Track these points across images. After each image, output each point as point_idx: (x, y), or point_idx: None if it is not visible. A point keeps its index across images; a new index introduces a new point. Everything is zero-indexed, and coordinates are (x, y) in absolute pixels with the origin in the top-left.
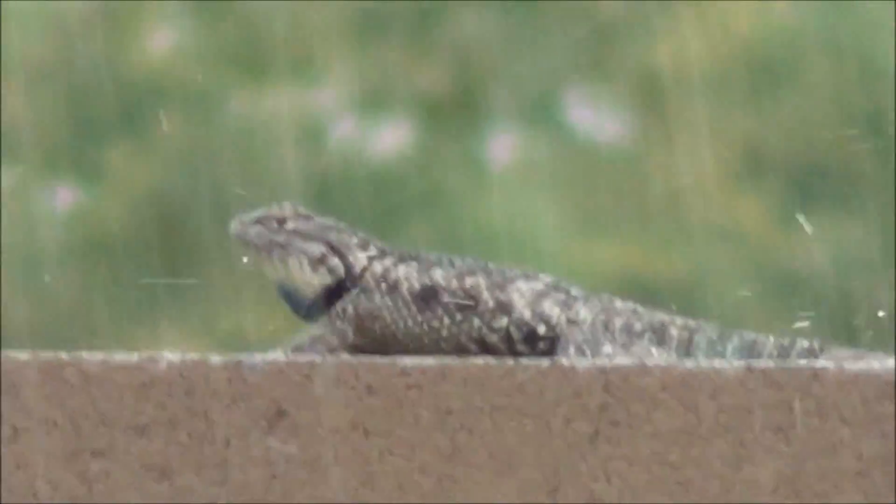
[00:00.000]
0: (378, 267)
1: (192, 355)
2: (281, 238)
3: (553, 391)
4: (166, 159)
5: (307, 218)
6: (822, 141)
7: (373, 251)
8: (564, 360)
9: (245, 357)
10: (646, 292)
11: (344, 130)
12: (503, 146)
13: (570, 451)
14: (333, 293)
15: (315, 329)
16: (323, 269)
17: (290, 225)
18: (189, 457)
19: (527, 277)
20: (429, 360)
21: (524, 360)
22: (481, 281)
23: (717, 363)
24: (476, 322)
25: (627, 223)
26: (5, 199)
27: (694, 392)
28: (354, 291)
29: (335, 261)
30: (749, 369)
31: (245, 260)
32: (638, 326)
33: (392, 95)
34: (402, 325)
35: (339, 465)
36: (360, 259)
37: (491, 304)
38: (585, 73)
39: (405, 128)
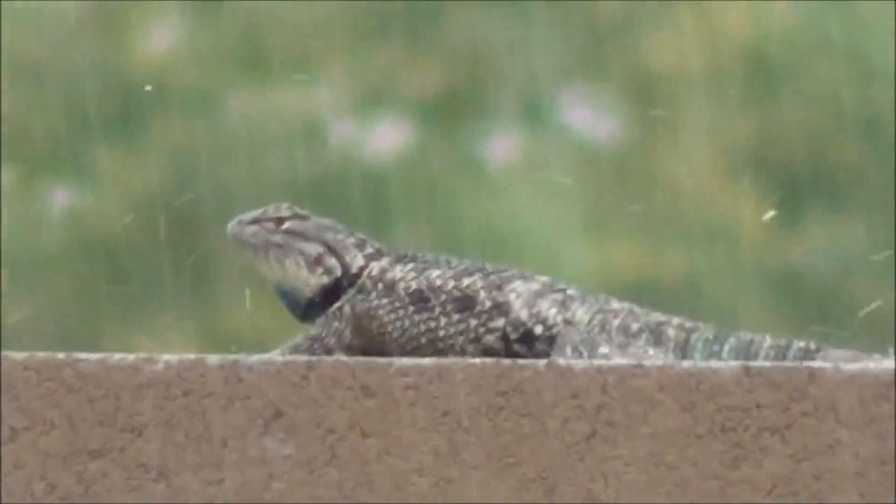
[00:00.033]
0: (375, 267)
1: (190, 356)
2: (278, 238)
3: (550, 391)
4: (163, 159)
5: (304, 218)
6: (821, 140)
7: (370, 251)
8: (561, 361)
9: (242, 357)
10: (643, 292)
11: (342, 130)
12: (501, 146)
13: (567, 452)
14: (330, 293)
15: (312, 329)
16: (320, 270)
17: (287, 225)
18: (186, 457)
19: (524, 278)
20: (426, 361)
21: (521, 361)
22: (478, 281)
23: (714, 364)
24: (473, 322)
25: (625, 223)
26: (5, 201)
27: (691, 392)
28: (351, 292)
29: (332, 261)
30: (746, 370)
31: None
32: (635, 327)
33: (390, 95)
34: (398, 325)
35: (336, 466)
36: (357, 259)
37: (488, 304)
38: (583, 73)
39: (403, 128)
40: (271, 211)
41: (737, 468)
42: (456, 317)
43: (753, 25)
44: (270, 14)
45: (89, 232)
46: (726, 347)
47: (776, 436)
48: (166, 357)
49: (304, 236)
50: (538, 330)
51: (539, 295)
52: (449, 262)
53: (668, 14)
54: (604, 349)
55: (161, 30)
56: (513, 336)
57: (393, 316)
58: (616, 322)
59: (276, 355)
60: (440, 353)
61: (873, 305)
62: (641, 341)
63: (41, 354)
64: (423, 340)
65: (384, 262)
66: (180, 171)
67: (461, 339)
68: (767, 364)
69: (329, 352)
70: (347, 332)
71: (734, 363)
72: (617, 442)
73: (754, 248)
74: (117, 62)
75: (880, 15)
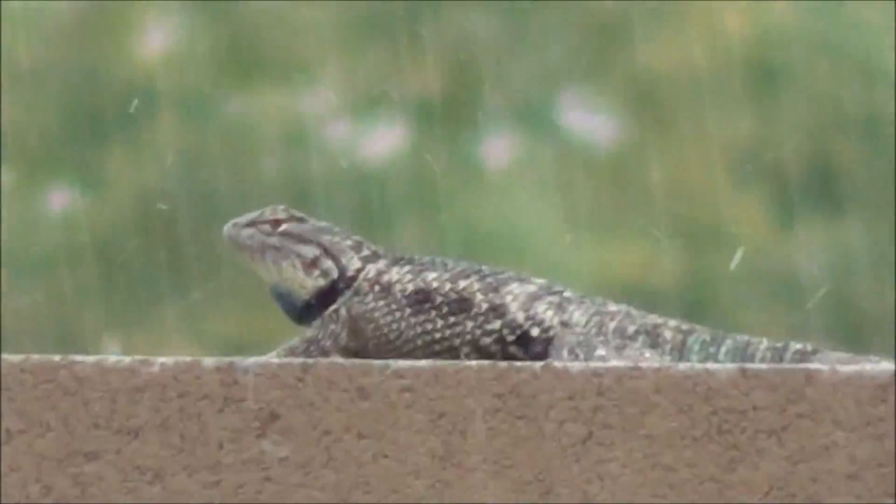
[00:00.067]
0: (372, 269)
1: (185, 358)
2: (274, 241)
3: (546, 394)
4: (160, 162)
5: (301, 220)
6: (823, 142)
7: (366, 254)
8: (558, 363)
9: (238, 360)
10: (641, 295)
11: (337, 132)
12: (498, 149)
13: (563, 454)
14: (327, 296)
15: (308, 331)
16: (316, 272)
17: (283, 227)
18: (182, 459)
19: (520, 280)
20: (422, 363)
21: (518, 363)
22: (475, 284)
23: (711, 366)
24: (469, 325)
25: (623, 226)
26: (3, 202)
27: (687, 394)
28: (348, 294)
29: (329, 263)
30: (742, 372)
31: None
32: (631, 329)
33: (386, 97)
34: (395, 327)
35: (331, 468)
36: (353, 262)
37: (484, 306)
38: (581, 76)
39: (399, 130)
40: (268, 213)
41: (733, 470)
42: (452, 319)
43: (754, 27)
44: (267, 16)
45: (86, 233)
46: (723, 349)
47: (773, 438)
48: (162, 359)
49: (300, 239)
50: (535, 332)
51: (536, 297)
52: (445, 265)
53: (668, 15)
54: (600, 351)
55: (158, 31)
56: (509, 338)
57: (389, 318)
58: (613, 324)
59: (272, 357)
60: (436, 355)
61: (821, 293)
62: (638, 343)
63: (37, 357)
64: (420, 343)
65: (381, 264)
66: (176, 172)
67: (457, 341)
68: (764, 366)
69: (325, 354)
70: (344, 335)
71: (731, 365)
72: (613, 444)
73: (753, 250)
74: (114, 63)
75: (881, 15)
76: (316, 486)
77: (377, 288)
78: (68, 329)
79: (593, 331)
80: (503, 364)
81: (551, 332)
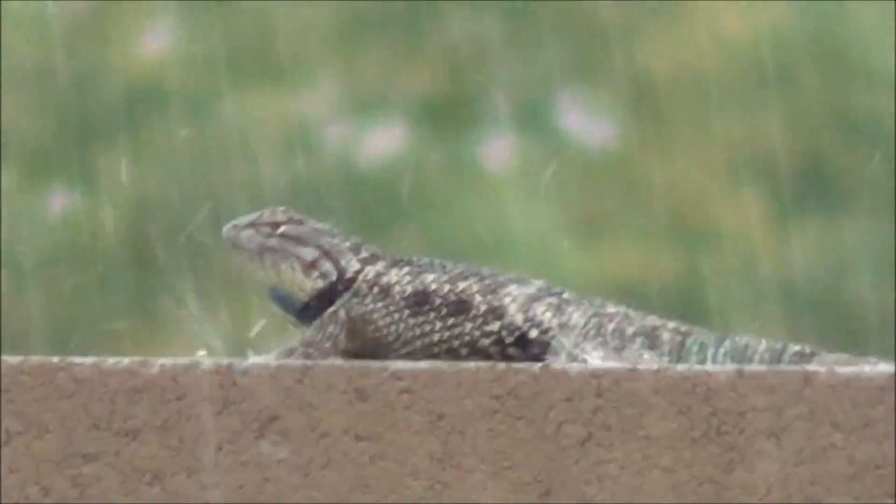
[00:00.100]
0: (370, 271)
1: (184, 360)
2: (273, 242)
3: (545, 395)
4: (158, 163)
5: (299, 222)
6: (821, 143)
7: (365, 255)
8: (556, 364)
9: (237, 361)
10: (639, 296)
11: (337, 133)
12: (496, 150)
13: (562, 455)
14: (326, 297)
15: (307, 333)
16: (315, 274)
17: (282, 229)
18: (181, 461)
19: (519, 282)
20: (421, 365)
21: (516, 365)
22: (473, 285)
23: (709, 367)
24: (468, 326)
25: (621, 227)
26: (3, 203)
27: (686, 396)
28: (346, 296)
29: (327, 265)
30: (741, 373)
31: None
32: (630, 330)
33: (385, 99)
34: (394, 329)
35: (330, 470)
36: (352, 263)
37: (483, 308)
38: (580, 77)
39: (398, 131)
40: (267, 215)
41: (731, 472)
42: (451, 320)
43: (753, 28)
44: (267, 17)
45: (86, 234)
46: (721, 351)
47: (771, 439)
48: (161, 361)
49: (299, 240)
50: (533, 334)
51: (534, 299)
52: (444, 266)
53: (667, 17)
54: (599, 353)
55: (158, 33)
56: (508, 340)
57: (388, 320)
58: (611, 326)
59: (270, 359)
60: (435, 356)
61: (819, 294)
62: (636, 345)
63: (36, 358)
64: (419, 344)
65: (379, 266)
66: (177, 173)
67: (456, 342)
68: (762, 368)
69: (324, 356)
70: (342, 336)
71: (729, 367)
72: (612, 445)
73: (750, 252)
74: (115, 65)
75: (880, 16)
76: (315, 487)
77: (376, 290)
78: (67, 330)
79: (592, 332)
80: (502, 365)
81: (550, 334)
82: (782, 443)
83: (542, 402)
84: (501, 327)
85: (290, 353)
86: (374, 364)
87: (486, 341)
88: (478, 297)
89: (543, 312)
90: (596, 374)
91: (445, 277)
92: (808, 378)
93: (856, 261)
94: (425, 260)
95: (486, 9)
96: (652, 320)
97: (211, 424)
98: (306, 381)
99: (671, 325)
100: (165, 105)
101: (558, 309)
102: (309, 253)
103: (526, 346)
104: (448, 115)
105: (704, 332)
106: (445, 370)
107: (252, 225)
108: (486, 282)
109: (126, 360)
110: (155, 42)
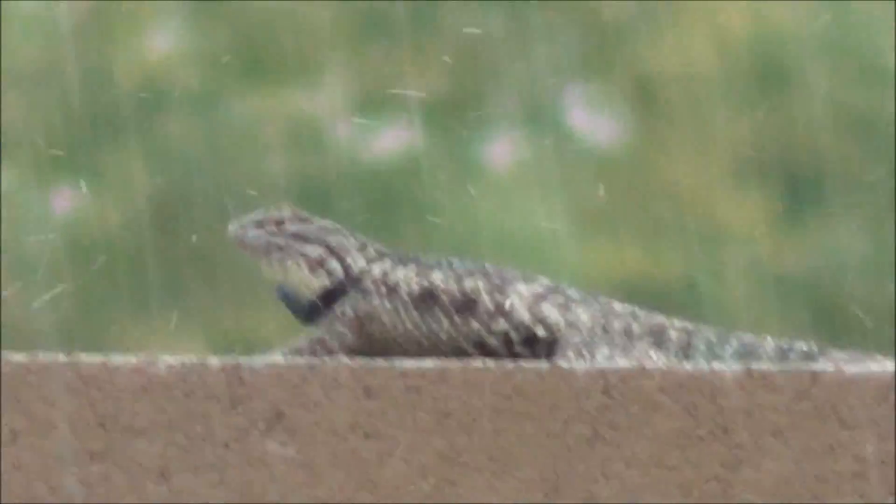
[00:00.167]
0: (377, 269)
1: (191, 358)
2: (279, 240)
3: (552, 393)
4: (165, 162)
5: (306, 220)
6: (825, 143)
7: (371, 253)
8: (563, 363)
9: (244, 359)
10: (645, 294)
11: (343, 132)
12: (502, 148)
13: (568, 454)
14: (332, 295)
15: (314, 331)
16: (321, 272)
17: (288, 227)
18: (188, 459)
19: (526, 280)
20: (428, 363)
21: (523, 363)
22: (480, 283)
23: (716, 366)
24: (475, 324)
25: (627, 225)
26: (7, 203)
27: (692, 394)
28: (353, 294)
29: (334, 263)
30: (747, 372)
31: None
32: (636, 329)
33: (391, 97)
34: (400, 327)
35: (337, 468)
36: (358, 261)
37: (490, 306)
38: (585, 76)
39: (403, 130)
40: (273, 213)
41: (738, 470)
42: (458, 319)
43: (757, 27)
44: (271, 16)
45: (90, 233)
46: (728, 349)
47: (778, 437)
48: (168, 359)
49: (305, 238)
50: (540, 332)
51: (541, 297)
52: (451, 264)
53: (671, 16)
54: (605, 351)
55: (163, 32)
56: (515, 338)
57: (395, 318)
58: (618, 324)
59: (277, 357)
60: (442, 354)
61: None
62: (643, 343)
63: (43, 356)
64: (425, 342)
65: (386, 264)
66: (182, 172)
67: (463, 340)
68: (769, 366)
69: (331, 354)
70: (349, 334)
71: (736, 365)
72: (619, 444)
73: (756, 250)
74: (119, 64)
75: (884, 15)
76: (322, 485)
77: (383, 288)
78: (74, 328)
79: (599, 331)
80: (509, 364)
81: (557, 332)
82: (789, 441)
83: (548, 400)
84: (508, 326)
85: (297, 351)
86: (381, 362)
87: (492, 339)
88: (484, 296)
89: (550, 311)
90: (603, 373)
91: (452, 275)
92: (814, 376)
93: (861, 260)
94: (432, 258)
95: (491, 7)
96: (659, 319)
97: (218, 422)
98: (313, 380)
99: (678, 323)
100: (171, 104)
101: (565, 307)
102: (315, 251)
103: (533, 345)
104: (454, 114)
105: (711, 331)
106: (452, 368)
107: (258, 223)
108: (493, 280)
109: (133, 359)
110: (161, 41)
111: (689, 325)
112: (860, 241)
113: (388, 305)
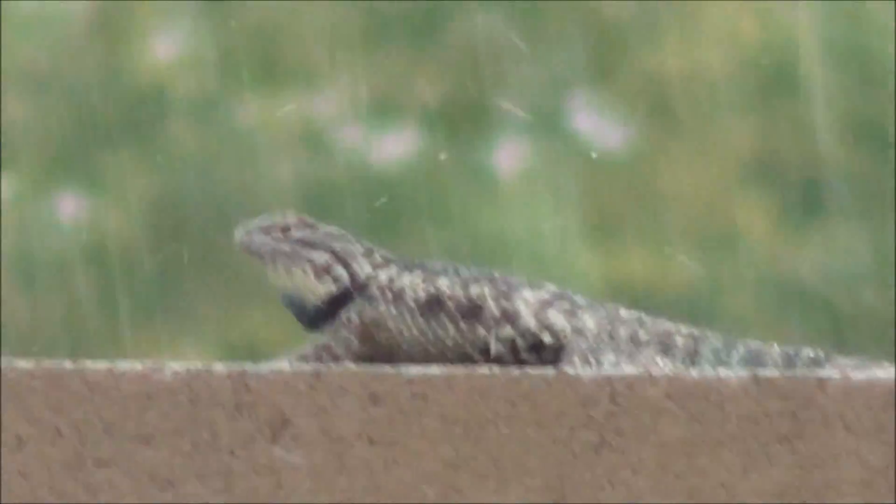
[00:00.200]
0: (383, 276)
1: (197, 364)
2: (285, 247)
3: (558, 400)
4: (170, 167)
5: (312, 226)
6: (831, 148)
7: (377, 260)
8: (570, 370)
9: (249, 366)
10: (651, 301)
11: (349, 138)
12: (510, 154)
13: (575, 461)
14: (338, 302)
15: (320, 338)
16: (327, 278)
17: (294, 233)
18: (193, 466)
19: (532, 286)
20: (434, 370)
21: (529, 370)
22: (486, 290)
23: (723, 372)
24: (481, 331)
25: (635, 231)
26: (11, 208)
27: (699, 401)
28: (359, 300)
29: (340, 269)
30: (754, 379)
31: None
32: (643, 336)
33: (397, 103)
34: (406, 334)
35: (343, 475)
36: (364, 268)
37: (496, 312)
38: (594, 81)
39: (410, 136)
40: (279, 219)
41: (745, 477)
42: (464, 325)
43: (767, 32)
44: (278, 21)
45: (97, 238)
46: (735, 356)
47: (784, 444)
48: (174, 366)
49: (311, 245)
50: (546, 338)
51: (547, 303)
52: (457, 271)
53: (678, 21)
54: (612, 358)
55: (168, 36)
56: (521, 344)
57: (401, 324)
58: (624, 331)
59: (283, 364)
60: (448, 361)
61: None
62: (650, 350)
63: (48, 363)
64: (431, 349)
65: (392, 270)
66: (187, 177)
67: (469, 347)
68: (776, 373)
69: (337, 360)
70: (355, 341)
71: (742, 372)
72: (625, 450)
73: (762, 256)
74: (124, 68)
75: (888, 20)
76: (328, 492)
77: (389, 294)
78: (79, 335)
79: (605, 337)
80: (515, 370)
81: (563, 339)
82: (796, 448)
83: (555, 407)
84: (515, 332)
85: (303, 357)
86: (388, 369)
87: (499, 346)
88: (491, 302)
89: (557, 317)
90: (609, 380)
91: (458, 282)
92: (821, 383)
93: (869, 266)
94: (438, 264)
95: (500, 12)
96: (665, 325)
97: (224, 429)
98: (319, 386)
99: (684, 330)
100: (177, 108)
101: (571, 314)
102: (321, 257)
103: (539, 351)
104: (461, 119)
105: (718, 337)
106: (458, 375)
107: (264, 229)
108: (500, 286)
109: (139, 365)
110: (168, 45)
111: (696, 332)
112: (869, 247)
113: (393, 312)
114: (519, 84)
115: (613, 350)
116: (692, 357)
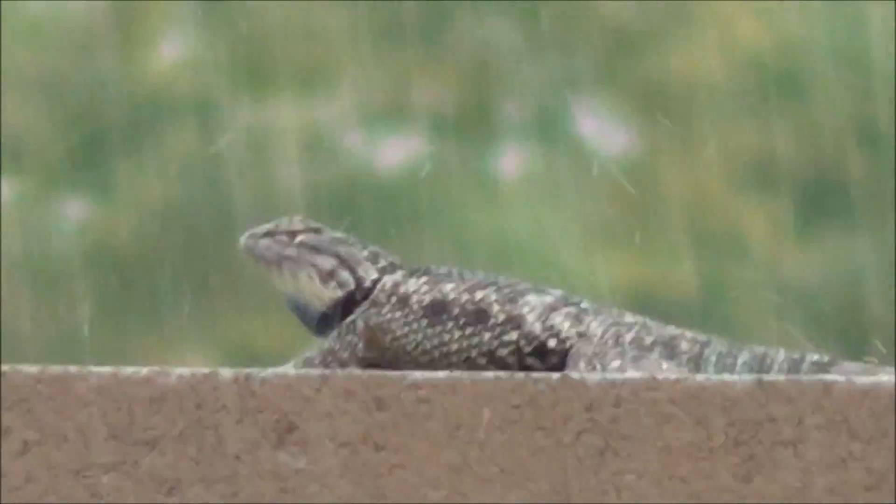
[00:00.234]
0: (388, 281)
1: (202, 369)
2: (291, 251)
3: (563, 405)
4: (175, 171)
5: (317, 231)
6: (833, 152)
7: (383, 265)
8: (575, 374)
9: (255, 371)
10: (656, 305)
11: (353, 142)
12: (514, 159)
13: (580, 465)
14: (344, 307)
15: (325, 343)
16: (333, 283)
17: (300, 238)
18: (199, 471)
19: (537, 291)
20: (439, 374)
21: (534, 374)
22: (492, 295)
23: (728, 377)
24: (486, 336)
25: (638, 236)
26: (16, 213)
27: (704, 406)
28: (365, 305)
29: (345, 274)
30: (759, 383)
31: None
32: (648, 340)
33: (402, 108)
34: (412, 338)
35: (348, 479)
36: (370, 273)
37: (501, 317)
38: (597, 85)
39: (415, 140)
40: (284, 224)
41: (750, 482)
42: (469, 330)
43: (766, 36)
44: (281, 25)
45: (101, 243)
46: (740, 361)
47: (790, 449)
48: (179, 370)
49: (317, 249)
50: (551, 343)
51: (552, 308)
52: (462, 276)
53: (681, 25)
54: (617, 362)
55: (171, 40)
56: (526, 349)
57: (406, 329)
58: (629, 335)
59: (289, 369)
60: (453, 366)
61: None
62: (655, 355)
63: (53, 367)
64: (437, 354)
65: (397, 275)
66: (191, 182)
67: (474, 352)
68: (781, 378)
69: (342, 365)
70: (360, 346)
71: (747, 376)
72: (630, 455)
73: (766, 261)
74: (129, 72)
75: (890, 25)
76: (333, 496)
77: (394, 299)
78: (84, 339)
79: (610, 342)
80: (520, 375)
81: (568, 344)
82: (801, 453)
83: (560, 411)
84: (520, 337)
85: (308, 362)
86: (393, 373)
87: (504, 351)
88: (496, 307)
89: (562, 322)
90: (614, 384)
91: (463, 287)
92: (826, 388)
93: (874, 271)
94: (443, 269)
95: (504, 17)
96: (670, 330)
97: (229, 434)
98: (325, 391)
99: (689, 334)
100: (181, 113)
101: (577, 318)
102: (327, 262)
103: (544, 356)
104: (465, 124)
105: (723, 342)
106: (464, 380)
107: (269, 234)
108: (505, 291)
109: (144, 370)
110: (171, 49)
111: (701, 337)
112: (874, 252)
113: (399, 317)
114: (522, 88)
115: (618, 355)
116: (697, 362)
